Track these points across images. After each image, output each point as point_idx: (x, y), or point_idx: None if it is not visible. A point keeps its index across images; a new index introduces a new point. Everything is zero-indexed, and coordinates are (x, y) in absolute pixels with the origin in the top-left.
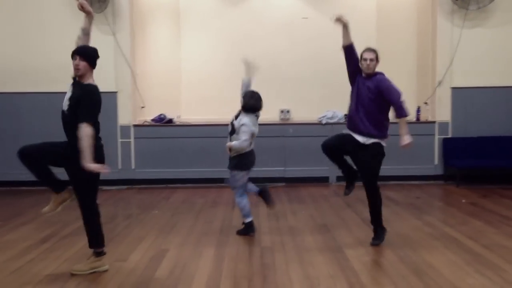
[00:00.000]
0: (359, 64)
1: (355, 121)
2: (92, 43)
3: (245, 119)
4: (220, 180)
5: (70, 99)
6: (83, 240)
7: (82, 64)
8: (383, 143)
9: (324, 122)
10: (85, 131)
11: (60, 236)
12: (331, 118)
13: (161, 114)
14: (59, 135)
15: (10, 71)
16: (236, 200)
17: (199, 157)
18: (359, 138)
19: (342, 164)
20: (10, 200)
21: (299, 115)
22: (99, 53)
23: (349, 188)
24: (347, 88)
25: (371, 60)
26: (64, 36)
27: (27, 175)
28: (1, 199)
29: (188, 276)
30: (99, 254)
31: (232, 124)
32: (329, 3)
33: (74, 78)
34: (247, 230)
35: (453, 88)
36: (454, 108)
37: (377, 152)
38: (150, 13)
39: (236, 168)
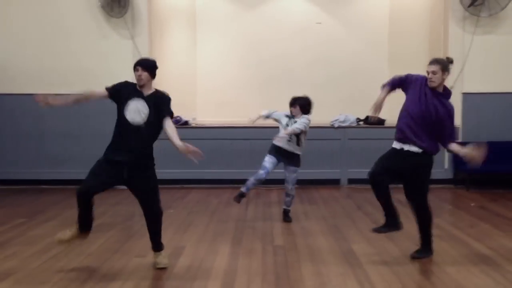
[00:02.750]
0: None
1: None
2: (112, 47)
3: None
4: (234, 181)
5: (150, 110)
6: (103, 237)
7: (144, 74)
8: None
9: (336, 125)
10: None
11: None
12: (343, 121)
13: (177, 116)
14: (78, 135)
15: (32, 73)
16: (294, 193)
17: (214, 158)
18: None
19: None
20: (32, 198)
21: (312, 118)
22: (119, 57)
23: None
24: (359, 92)
25: (433, 73)
26: (84, 41)
27: (48, 174)
28: (23, 197)
29: (204, 272)
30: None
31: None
32: (343, 9)
33: (137, 91)
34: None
35: (464, 94)
36: (465, 113)
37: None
38: (168, 17)
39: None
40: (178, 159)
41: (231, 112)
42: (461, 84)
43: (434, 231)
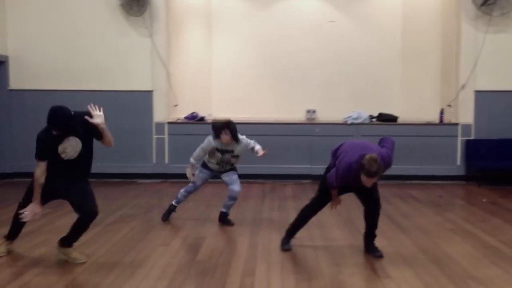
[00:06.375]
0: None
1: None
2: (130, 45)
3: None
4: (247, 176)
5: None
6: (126, 227)
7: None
8: None
9: (349, 122)
10: None
11: (105, 223)
12: (356, 118)
13: (193, 112)
14: None
15: (51, 70)
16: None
17: None
18: None
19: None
20: None
21: (325, 115)
22: (137, 55)
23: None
24: (372, 89)
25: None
26: (103, 39)
27: None
28: None
29: (226, 260)
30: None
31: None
32: (356, 7)
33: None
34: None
35: (476, 91)
36: (477, 110)
37: None
38: (184, 16)
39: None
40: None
41: (246, 108)
42: (473, 82)
43: (448, 225)
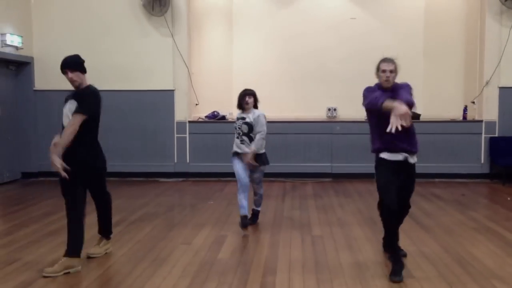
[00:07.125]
0: (377, 76)
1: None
2: (152, 45)
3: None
4: (268, 175)
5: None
6: (149, 225)
7: (75, 74)
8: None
9: None
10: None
11: (128, 221)
12: None
13: (214, 111)
14: (116, 128)
15: None
16: (262, 192)
17: None
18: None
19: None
20: None
21: (346, 113)
22: (159, 54)
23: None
24: None
25: (390, 71)
26: (125, 39)
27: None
28: None
29: (247, 258)
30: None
31: (246, 123)
32: (377, 3)
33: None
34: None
35: (501, 88)
36: (501, 107)
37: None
38: (206, 15)
39: (267, 163)
40: (213, 153)
41: (267, 106)
42: (497, 78)
43: (471, 224)
